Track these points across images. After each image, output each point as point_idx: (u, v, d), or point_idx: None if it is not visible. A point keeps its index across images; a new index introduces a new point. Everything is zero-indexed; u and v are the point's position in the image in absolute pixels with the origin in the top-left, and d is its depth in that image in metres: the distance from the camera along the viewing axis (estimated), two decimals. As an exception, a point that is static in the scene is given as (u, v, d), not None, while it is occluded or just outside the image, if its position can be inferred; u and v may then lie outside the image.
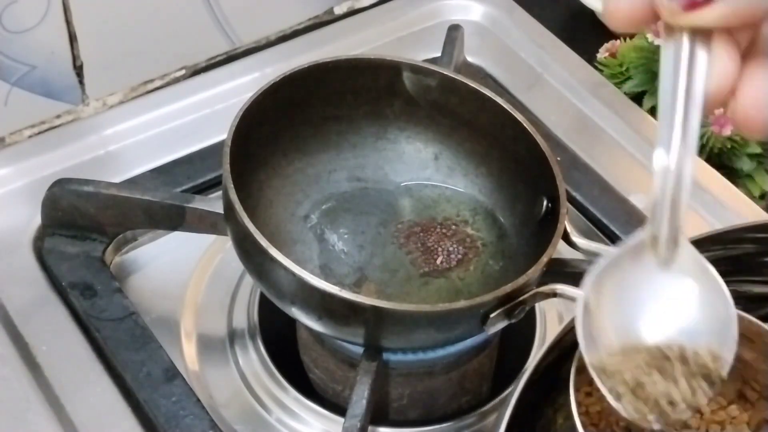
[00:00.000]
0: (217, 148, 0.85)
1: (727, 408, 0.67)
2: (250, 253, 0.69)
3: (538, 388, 0.57)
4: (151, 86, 0.94)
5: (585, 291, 0.53)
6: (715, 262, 0.57)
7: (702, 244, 0.61)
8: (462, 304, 0.67)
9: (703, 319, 0.53)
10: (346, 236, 0.78)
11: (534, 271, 0.68)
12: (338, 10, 1.01)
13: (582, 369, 0.56)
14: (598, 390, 0.61)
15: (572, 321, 0.54)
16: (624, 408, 0.52)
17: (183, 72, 0.95)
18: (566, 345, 0.58)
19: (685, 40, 0.48)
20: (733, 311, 0.52)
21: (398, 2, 1.02)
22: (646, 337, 0.53)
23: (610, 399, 0.52)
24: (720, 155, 0.92)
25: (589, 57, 0.99)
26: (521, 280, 0.67)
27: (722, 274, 0.56)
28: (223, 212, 0.71)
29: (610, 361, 0.53)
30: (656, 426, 0.52)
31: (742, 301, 0.66)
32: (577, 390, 0.55)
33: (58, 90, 0.89)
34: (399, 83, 0.78)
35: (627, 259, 0.53)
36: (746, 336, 0.63)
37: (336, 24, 1.00)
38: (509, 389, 0.77)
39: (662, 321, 0.53)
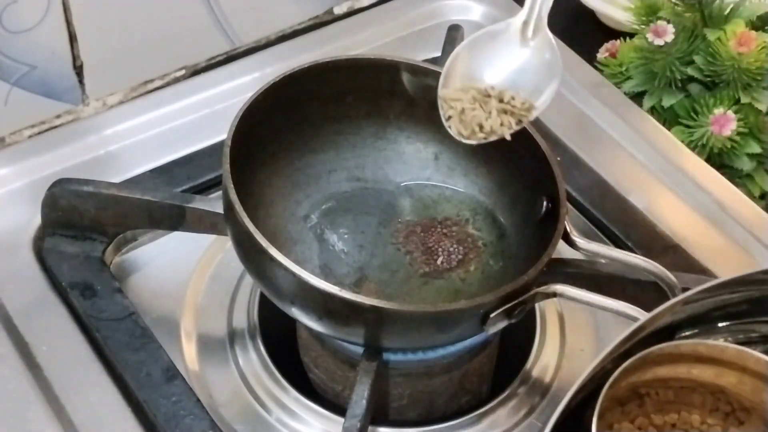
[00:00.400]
0: (217, 148, 0.85)
1: None
2: (250, 253, 0.69)
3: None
4: (151, 86, 0.94)
5: (460, 46, 0.71)
6: (738, 303, 0.64)
7: (727, 286, 0.63)
8: (462, 304, 0.67)
9: (532, 81, 0.70)
10: (346, 236, 0.78)
11: (534, 271, 0.68)
12: (338, 10, 1.01)
13: (601, 415, 0.59)
14: None
15: (594, 369, 0.58)
16: (450, 126, 0.70)
17: (183, 72, 0.95)
18: (588, 390, 0.59)
19: None
20: (557, 83, 0.70)
21: (398, 2, 1.02)
22: (480, 81, 0.70)
23: (444, 120, 0.70)
24: (720, 155, 0.92)
25: (589, 57, 0.99)
26: (521, 280, 0.67)
27: (743, 315, 0.65)
28: (223, 212, 0.71)
29: (452, 94, 0.70)
30: (470, 142, 0.69)
31: (763, 340, 0.67)
32: None
33: (58, 90, 0.89)
34: (399, 83, 0.78)
35: (498, 32, 0.71)
36: None
37: (336, 24, 1.00)
38: (508, 390, 0.77)
39: (499, 75, 0.70)
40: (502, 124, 0.69)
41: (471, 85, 0.69)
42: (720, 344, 0.63)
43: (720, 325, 0.66)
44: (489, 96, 0.69)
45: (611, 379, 0.59)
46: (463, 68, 0.70)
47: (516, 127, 0.69)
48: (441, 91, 0.70)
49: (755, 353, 0.62)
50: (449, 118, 0.69)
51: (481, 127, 0.69)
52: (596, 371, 0.58)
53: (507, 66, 0.70)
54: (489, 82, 0.70)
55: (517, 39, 0.70)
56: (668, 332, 0.64)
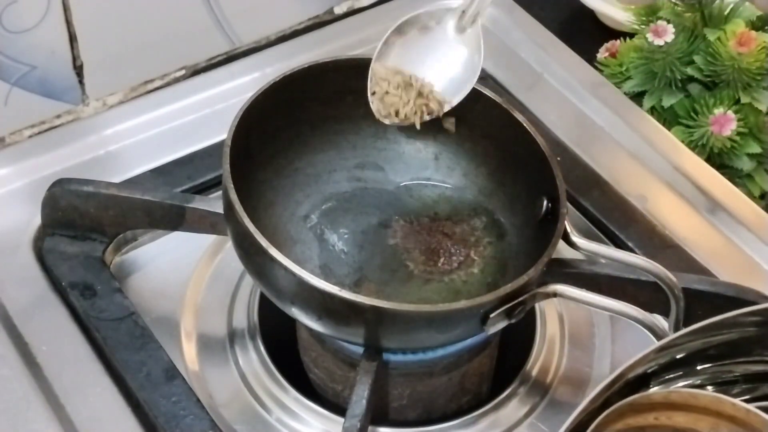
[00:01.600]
0: (217, 148, 0.85)
1: None
2: (250, 253, 0.69)
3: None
4: (151, 86, 0.94)
5: (401, 21, 0.75)
6: (718, 346, 0.64)
7: (706, 330, 0.63)
8: (462, 304, 0.67)
9: (453, 77, 0.75)
10: (346, 236, 0.78)
11: (534, 271, 0.68)
12: (338, 10, 1.01)
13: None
14: None
15: (571, 423, 0.58)
16: (372, 102, 0.74)
17: (183, 72, 0.95)
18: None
19: None
20: (474, 82, 0.74)
21: (398, 2, 1.02)
22: (408, 68, 0.75)
23: (369, 95, 0.74)
24: (720, 155, 0.92)
25: (589, 57, 0.99)
26: (521, 280, 0.67)
27: (723, 357, 0.65)
28: (223, 212, 0.71)
29: (381, 73, 0.74)
30: (385, 121, 0.75)
31: (741, 381, 0.67)
32: None
33: (58, 90, 0.89)
34: (399, 83, 0.78)
35: (434, 17, 0.75)
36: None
37: (336, 24, 1.00)
38: (508, 390, 0.77)
39: (426, 65, 0.75)
40: (415, 113, 0.75)
41: (400, 69, 0.75)
42: (693, 391, 0.63)
43: (699, 367, 0.66)
44: (411, 85, 0.75)
45: None
46: (398, 49, 0.75)
47: (427, 118, 0.75)
48: (374, 64, 0.75)
49: (731, 399, 0.62)
50: (374, 93, 0.75)
51: (397, 112, 0.75)
52: (572, 425, 0.59)
53: (435, 59, 0.76)
54: (415, 71, 0.75)
55: (450, 32, 0.76)
56: (645, 379, 0.64)
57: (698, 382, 0.66)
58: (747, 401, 0.63)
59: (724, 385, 0.67)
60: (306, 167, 0.79)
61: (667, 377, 0.65)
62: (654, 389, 0.64)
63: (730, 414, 0.62)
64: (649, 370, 0.64)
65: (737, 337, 0.65)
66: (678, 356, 0.65)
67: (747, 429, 0.62)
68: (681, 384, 0.66)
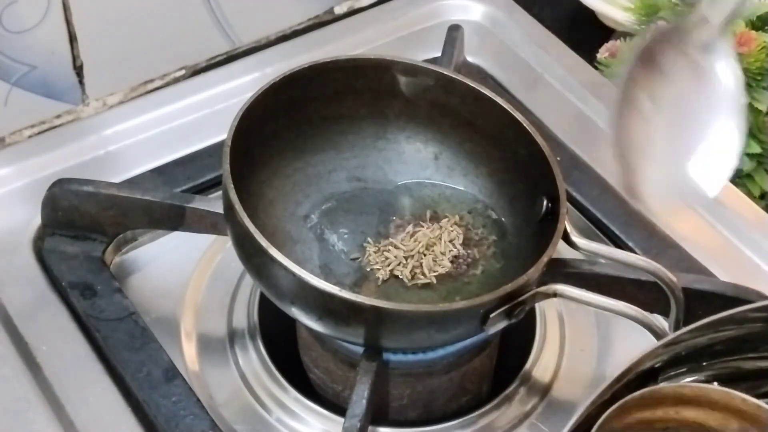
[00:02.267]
0: (217, 148, 0.85)
1: None
2: (250, 253, 0.69)
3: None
4: (151, 86, 0.94)
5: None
6: (725, 342, 0.64)
7: (713, 326, 0.63)
8: (462, 304, 0.67)
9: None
10: (346, 236, 0.78)
11: (534, 271, 0.68)
12: (338, 10, 1.01)
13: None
14: None
15: (579, 417, 0.58)
16: None
17: (183, 72, 0.95)
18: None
19: None
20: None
21: (398, 2, 1.02)
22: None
23: None
24: (720, 155, 0.92)
25: (589, 57, 0.99)
26: (521, 280, 0.67)
27: (729, 353, 0.65)
28: (223, 212, 0.72)
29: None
30: None
31: (747, 378, 0.67)
32: None
33: (58, 90, 0.89)
34: (399, 83, 0.78)
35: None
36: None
37: (336, 24, 1.00)
38: (508, 390, 0.77)
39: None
40: None
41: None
42: (704, 386, 0.64)
43: (705, 363, 0.66)
44: None
45: (594, 429, 0.59)
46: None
47: None
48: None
49: (741, 394, 0.62)
50: None
51: None
52: (581, 419, 0.59)
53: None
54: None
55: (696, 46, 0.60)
56: (652, 373, 0.64)
57: (704, 378, 0.66)
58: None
59: (730, 382, 0.66)
60: (306, 167, 0.79)
61: (673, 373, 0.65)
62: (663, 384, 0.64)
63: (740, 409, 0.62)
64: (656, 365, 0.63)
65: (744, 333, 0.64)
66: (684, 352, 0.64)
67: (756, 424, 0.62)
68: (687, 380, 0.66)
